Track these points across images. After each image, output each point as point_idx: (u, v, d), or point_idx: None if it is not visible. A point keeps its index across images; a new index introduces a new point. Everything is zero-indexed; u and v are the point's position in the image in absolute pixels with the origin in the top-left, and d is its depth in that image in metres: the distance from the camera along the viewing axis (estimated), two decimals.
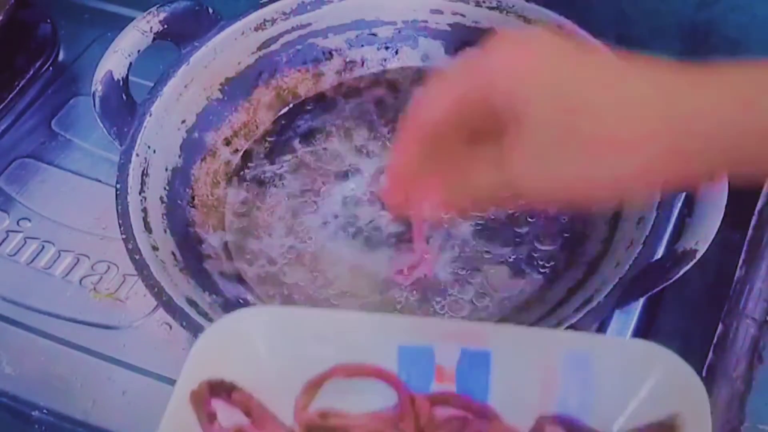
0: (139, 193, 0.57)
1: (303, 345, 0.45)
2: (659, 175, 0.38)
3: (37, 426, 0.57)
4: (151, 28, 0.61)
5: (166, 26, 0.62)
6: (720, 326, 0.54)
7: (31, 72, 0.74)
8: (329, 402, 0.43)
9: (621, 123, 0.36)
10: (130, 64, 0.60)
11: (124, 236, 0.55)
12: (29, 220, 0.66)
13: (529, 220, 0.59)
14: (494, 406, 0.44)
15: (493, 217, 0.59)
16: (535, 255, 0.57)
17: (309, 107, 0.67)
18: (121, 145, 0.59)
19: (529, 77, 0.37)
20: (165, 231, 0.57)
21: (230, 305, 0.55)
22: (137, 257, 0.54)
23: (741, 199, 0.53)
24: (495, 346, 0.45)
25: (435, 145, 0.41)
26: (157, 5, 0.62)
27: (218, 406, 0.43)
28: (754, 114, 0.36)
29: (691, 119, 0.37)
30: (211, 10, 0.64)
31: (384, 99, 0.67)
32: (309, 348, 0.45)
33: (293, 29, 0.66)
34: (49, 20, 0.77)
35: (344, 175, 0.63)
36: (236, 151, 0.65)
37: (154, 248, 0.55)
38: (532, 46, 0.38)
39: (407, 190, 0.43)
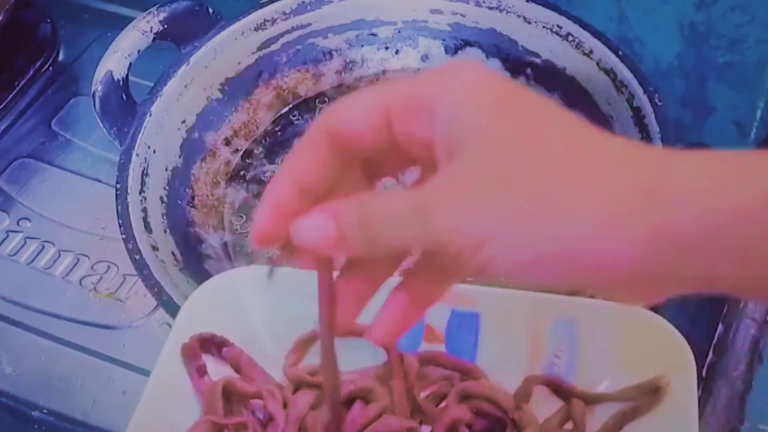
0: (139, 193, 0.57)
1: (293, 303, 0.44)
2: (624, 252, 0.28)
3: (37, 426, 0.57)
4: (151, 28, 0.61)
5: (166, 26, 0.62)
6: (720, 326, 0.54)
7: (31, 72, 0.74)
8: (319, 359, 0.44)
9: (590, 165, 0.28)
10: (130, 64, 0.60)
11: (124, 236, 0.55)
12: (29, 220, 0.66)
13: None
14: (482, 367, 0.45)
15: None
16: None
17: (309, 107, 0.67)
18: (121, 145, 0.59)
19: (479, 97, 0.29)
20: (165, 231, 0.57)
21: None
22: (137, 257, 0.54)
23: None
24: (484, 309, 0.45)
25: (340, 161, 0.32)
26: (157, 5, 0.62)
27: (208, 360, 0.43)
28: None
29: (685, 210, 0.27)
30: (211, 10, 0.64)
31: None
32: (299, 306, 0.44)
33: (293, 29, 0.66)
34: (49, 20, 0.77)
35: None
36: (236, 151, 0.65)
37: (154, 248, 0.55)
38: (492, 75, 0.30)
39: (290, 207, 0.32)
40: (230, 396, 0.42)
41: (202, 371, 0.43)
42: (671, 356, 0.42)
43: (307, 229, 0.31)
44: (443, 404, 0.44)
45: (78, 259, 0.64)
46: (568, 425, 0.43)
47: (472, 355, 0.45)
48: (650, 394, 0.42)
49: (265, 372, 0.44)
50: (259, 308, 0.45)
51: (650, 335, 0.43)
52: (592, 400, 0.43)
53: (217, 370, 0.43)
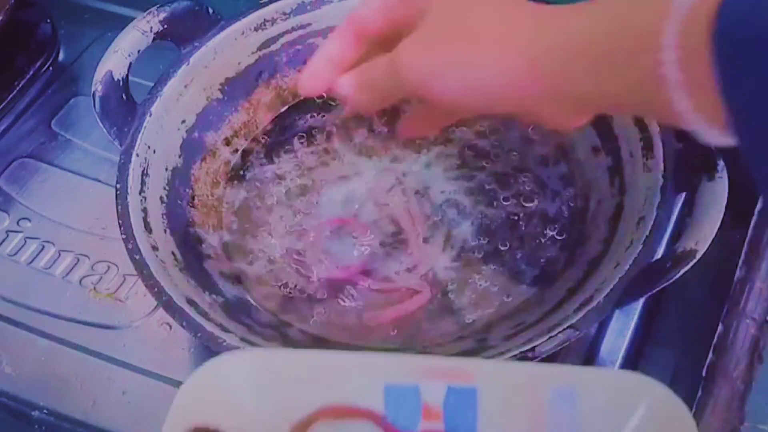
0: (139, 193, 0.57)
1: (288, 387, 0.45)
2: (529, 89, 0.41)
3: (37, 426, 0.57)
4: (151, 28, 0.61)
5: (166, 26, 0.62)
6: (720, 326, 0.54)
7: (31, 72, 0.74)
8: None
9: (497, 28, 0.42)
10: (130, 64, 0.60)
11: (124, 236, 0.55)
12: (29, 220, 0.66)
13: (530, 219, 0.59)
14: None
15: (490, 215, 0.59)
16: (535, 255, 0.58)
17: (309, 107, 0.67)
18: (121, 145, 0.59)
19: None
20: (165, 231, 0.57)
21: (230, 305, 0.55)
22: (137, 257, 0.54)
23: (741, 199, 0.53)
24: (481, 383, 0.45)
25: (363, 44, 0.48)
26: (157, 5, 0.62)
27: None
28: (620, 31, 0.37)
29: (557, 38, 0.40)
30: (211, 10, 0.64)
31: None
32: (294, 390, 0.44)
33: (293, 29, 0.66)
34: (49, 20, 0.77)
35: (344, 175, 0.63)
36: (236, 151, 0.65)
37: (154, 248, 0.55)
38: None
39: (326, 77, 0.49)
40: None
41: None
42: (673, 423, 0.42)
43: (340, 84, 0.48)
44: None
45: (78, 259, 0.64)
46: None
47: (471, 430, 0.45)
48: None
49: None
50: (252, 394, 0.44)
51: (651, 402, 0.43)
52: None
53: None
